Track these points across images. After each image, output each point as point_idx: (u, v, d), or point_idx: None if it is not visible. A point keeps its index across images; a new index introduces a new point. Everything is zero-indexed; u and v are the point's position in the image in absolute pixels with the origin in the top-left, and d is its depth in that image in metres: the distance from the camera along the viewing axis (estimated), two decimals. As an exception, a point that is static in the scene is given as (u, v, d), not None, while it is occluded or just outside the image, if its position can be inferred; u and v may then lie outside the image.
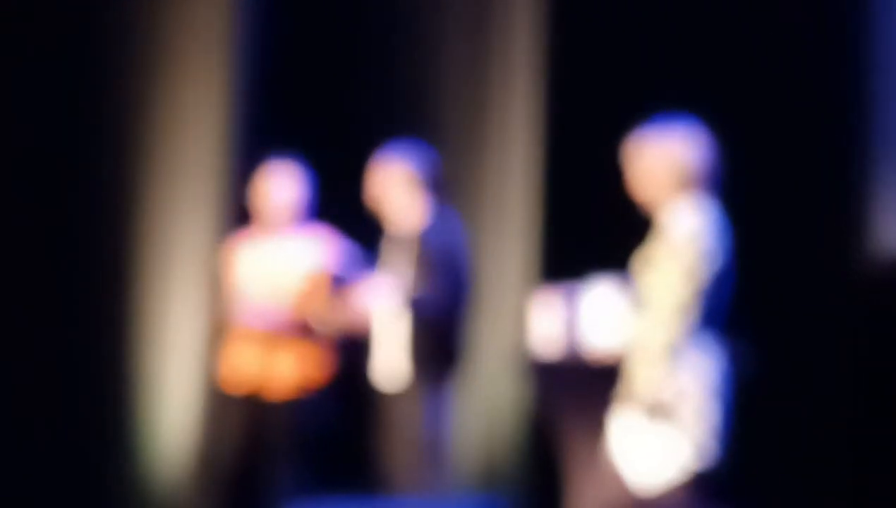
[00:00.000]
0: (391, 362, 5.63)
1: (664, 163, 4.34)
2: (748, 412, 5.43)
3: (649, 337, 4.26)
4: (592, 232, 7.10)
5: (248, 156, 7.08)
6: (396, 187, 5.73)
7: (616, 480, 4.34)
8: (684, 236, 4.28)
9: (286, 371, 5.91)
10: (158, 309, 7.07)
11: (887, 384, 7.01)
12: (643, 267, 4.38)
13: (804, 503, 7.02)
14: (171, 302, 7.06)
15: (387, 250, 5.75)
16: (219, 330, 6.83)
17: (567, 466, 5.41)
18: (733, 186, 6.90)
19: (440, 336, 5.66)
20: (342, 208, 6.50)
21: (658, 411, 4.20)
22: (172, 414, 6.99)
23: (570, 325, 5.42)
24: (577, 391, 5.19)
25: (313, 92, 7.64)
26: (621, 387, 4.41)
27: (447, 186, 6.22)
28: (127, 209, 7.13)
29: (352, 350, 6.00)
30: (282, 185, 6.06)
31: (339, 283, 5.94)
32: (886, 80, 7.19)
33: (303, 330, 5.90)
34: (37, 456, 6.85)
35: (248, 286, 6.06)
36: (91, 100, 7.26)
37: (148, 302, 7.08)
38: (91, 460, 7.01)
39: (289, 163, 6.13)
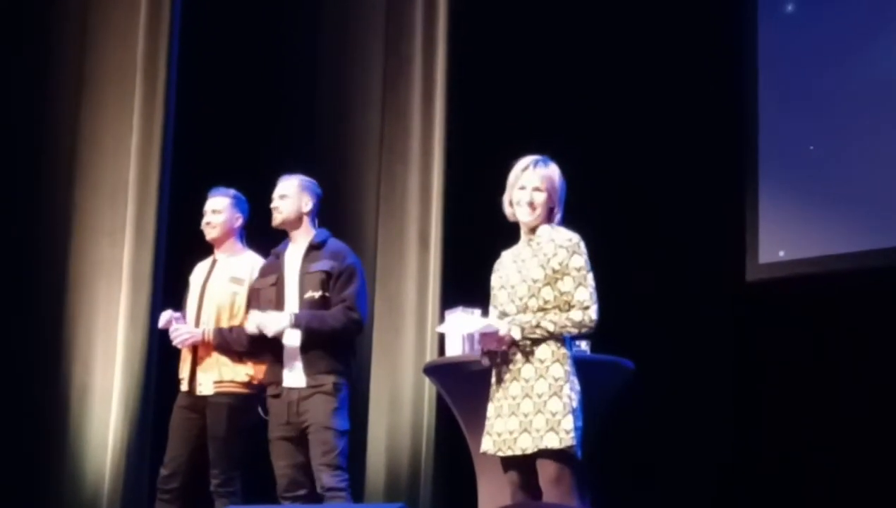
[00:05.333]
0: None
1: (543, 187, 4.89)
2: (626, 412, 5.90)
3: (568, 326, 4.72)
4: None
5: (183, 179, 7.41)
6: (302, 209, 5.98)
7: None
8: (568, 245, 4.82)
9: (221, 374, 6.12)
10: (93, 319, 7.41)
11: (766, 388, 7.47)
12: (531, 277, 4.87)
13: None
14: (103, 313, 7.40)
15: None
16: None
17: (474, 452, 5.85)
18: (620, 200, 7.24)
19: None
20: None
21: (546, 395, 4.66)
22: (105, 415, 7.28)
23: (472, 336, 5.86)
24: (480, 387, 5.61)
25: (237, 125, 8.02)
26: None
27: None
28: (61, 225, 7.50)
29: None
30: (217, 210, 6.32)
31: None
32: (768, 98, 7.66)
33: (235, 340, 6.12)
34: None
35: (191, 299, 6.33)
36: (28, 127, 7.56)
37: (83, 312, 7.43)
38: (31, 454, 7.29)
39: (222, 191, 6.38)
